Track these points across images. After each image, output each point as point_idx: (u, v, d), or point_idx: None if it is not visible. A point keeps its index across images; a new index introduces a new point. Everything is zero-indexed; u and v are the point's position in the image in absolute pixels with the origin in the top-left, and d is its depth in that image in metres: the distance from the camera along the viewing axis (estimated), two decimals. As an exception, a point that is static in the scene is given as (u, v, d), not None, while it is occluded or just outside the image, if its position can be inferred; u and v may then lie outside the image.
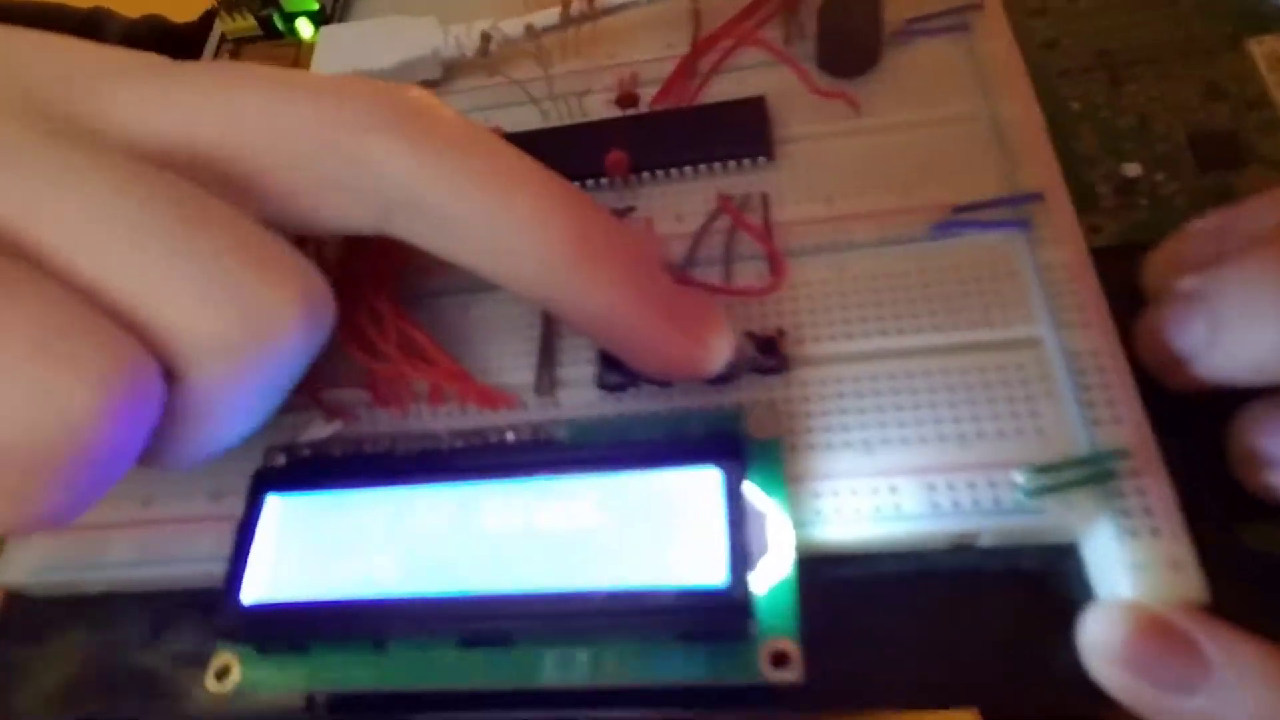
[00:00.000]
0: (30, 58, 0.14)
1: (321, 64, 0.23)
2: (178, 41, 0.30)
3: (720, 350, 0.15)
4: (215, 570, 0.16)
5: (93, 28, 0.30)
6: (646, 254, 0.16)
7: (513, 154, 0.15)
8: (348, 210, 0.15)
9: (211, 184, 0.14)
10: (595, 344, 0.17)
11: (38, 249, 0.12)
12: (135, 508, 0.18)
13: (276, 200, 0.15)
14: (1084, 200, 0.18)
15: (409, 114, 0.15)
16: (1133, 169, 0.19)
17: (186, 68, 0.15)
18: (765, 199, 0.19)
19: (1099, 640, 0.14)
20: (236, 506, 0.17)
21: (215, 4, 0.25)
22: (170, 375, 0.13)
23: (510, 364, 0.18)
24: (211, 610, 0.16)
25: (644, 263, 0.15)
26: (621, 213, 0.20)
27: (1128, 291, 0.17)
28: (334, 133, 0.14)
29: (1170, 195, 0.18)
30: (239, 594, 0.15)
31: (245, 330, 0.13)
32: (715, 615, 0.14)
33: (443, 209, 0.15)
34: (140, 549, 0.18)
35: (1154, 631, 0.13)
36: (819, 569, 0.15)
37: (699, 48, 0.21)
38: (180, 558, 0.17)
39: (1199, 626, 0.13)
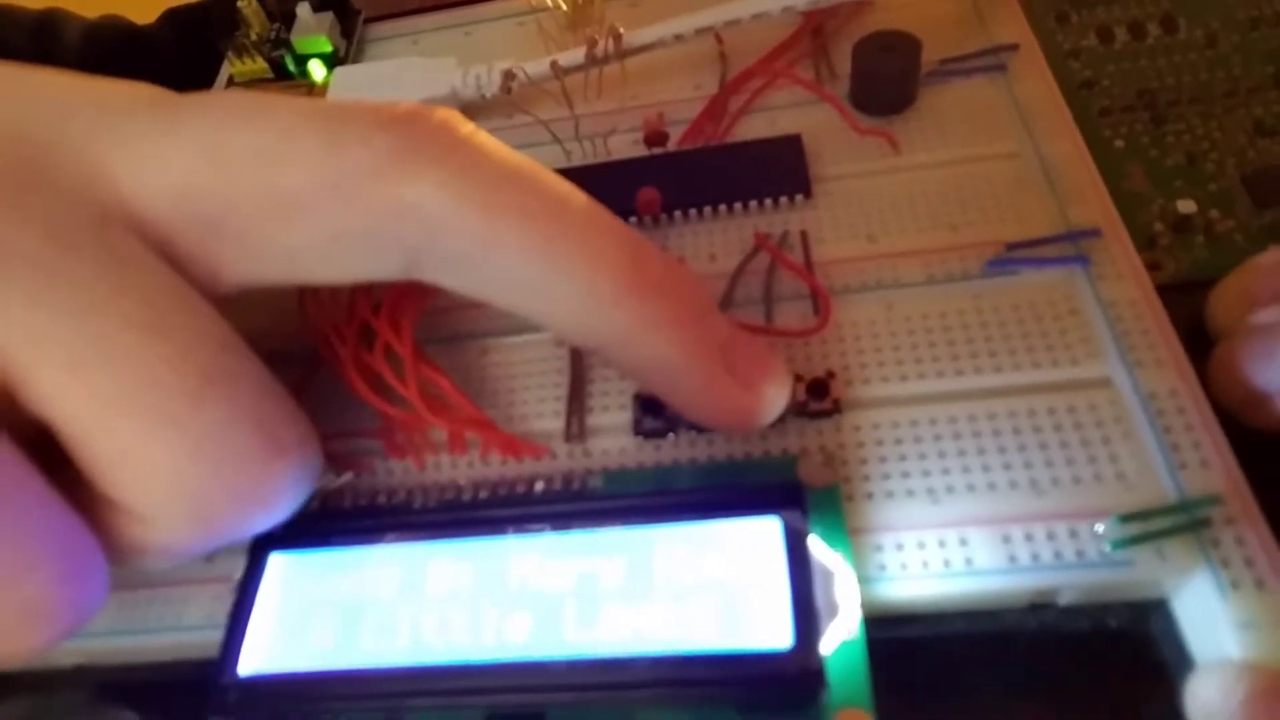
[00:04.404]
0: (27, 98, 0.13)
1: (334, 105, 0.22)
2: (141, 43, 0.28)
3: (777, 401, 0.14)
4: (207, 640, 0.15)
5: (49, 30, 0.28)
6: (701, 294, 0.14)
7: (555, 181, 0.14)
8: (369, 259, 0.14)
9: (213, 240, 0.13)
10: (641, 388, 0.16)
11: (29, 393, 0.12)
12: (115, 570, 0.16)
13: (284, 253, 0.13)
14: (1139, 238, 0.17)
15: (443, 146, 0.13)
16: (1187, 206, 0.18)
17: (189, 105, 0.14)
18: (805, 236, 0.18)
19: (1213, 708, 0.12)
20: (232, 568, 0.15)
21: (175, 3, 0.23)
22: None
23: (535, 410, 0.17)
24: (202, 687, 0.14)
25: (700, 303, 0.14)
26: (651, 252, 0.19)
27: (1191, 330, 0.16)
28: (355, 178, 0.13)
29: (1228, 232, 0.18)
30: (235, 665, 0.14)
31: (218, 516, 0.13)
32: (782, 683, 0.12)
33: (484, 252, 0.13)
34: (121, 616, 0.16)
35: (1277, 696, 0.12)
36: (883, 629, 0.13)
37: (731, 86, 0.21)
38: (167, 625, 0.16)
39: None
